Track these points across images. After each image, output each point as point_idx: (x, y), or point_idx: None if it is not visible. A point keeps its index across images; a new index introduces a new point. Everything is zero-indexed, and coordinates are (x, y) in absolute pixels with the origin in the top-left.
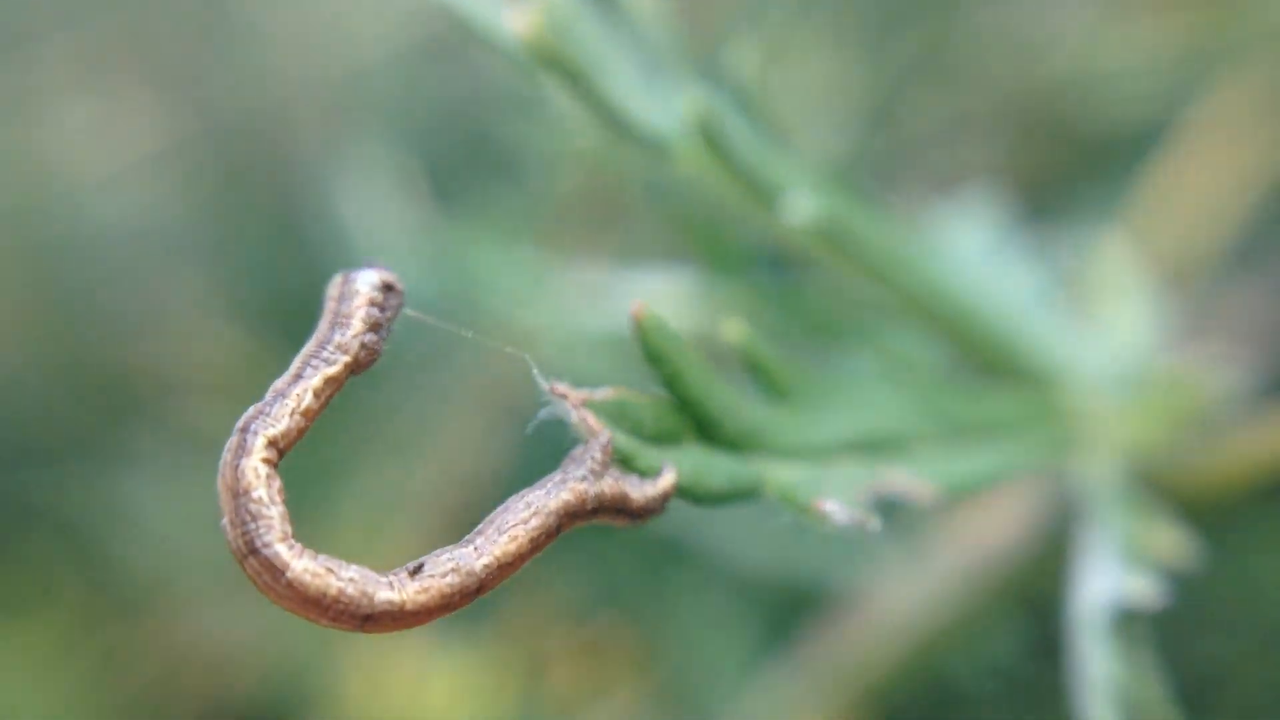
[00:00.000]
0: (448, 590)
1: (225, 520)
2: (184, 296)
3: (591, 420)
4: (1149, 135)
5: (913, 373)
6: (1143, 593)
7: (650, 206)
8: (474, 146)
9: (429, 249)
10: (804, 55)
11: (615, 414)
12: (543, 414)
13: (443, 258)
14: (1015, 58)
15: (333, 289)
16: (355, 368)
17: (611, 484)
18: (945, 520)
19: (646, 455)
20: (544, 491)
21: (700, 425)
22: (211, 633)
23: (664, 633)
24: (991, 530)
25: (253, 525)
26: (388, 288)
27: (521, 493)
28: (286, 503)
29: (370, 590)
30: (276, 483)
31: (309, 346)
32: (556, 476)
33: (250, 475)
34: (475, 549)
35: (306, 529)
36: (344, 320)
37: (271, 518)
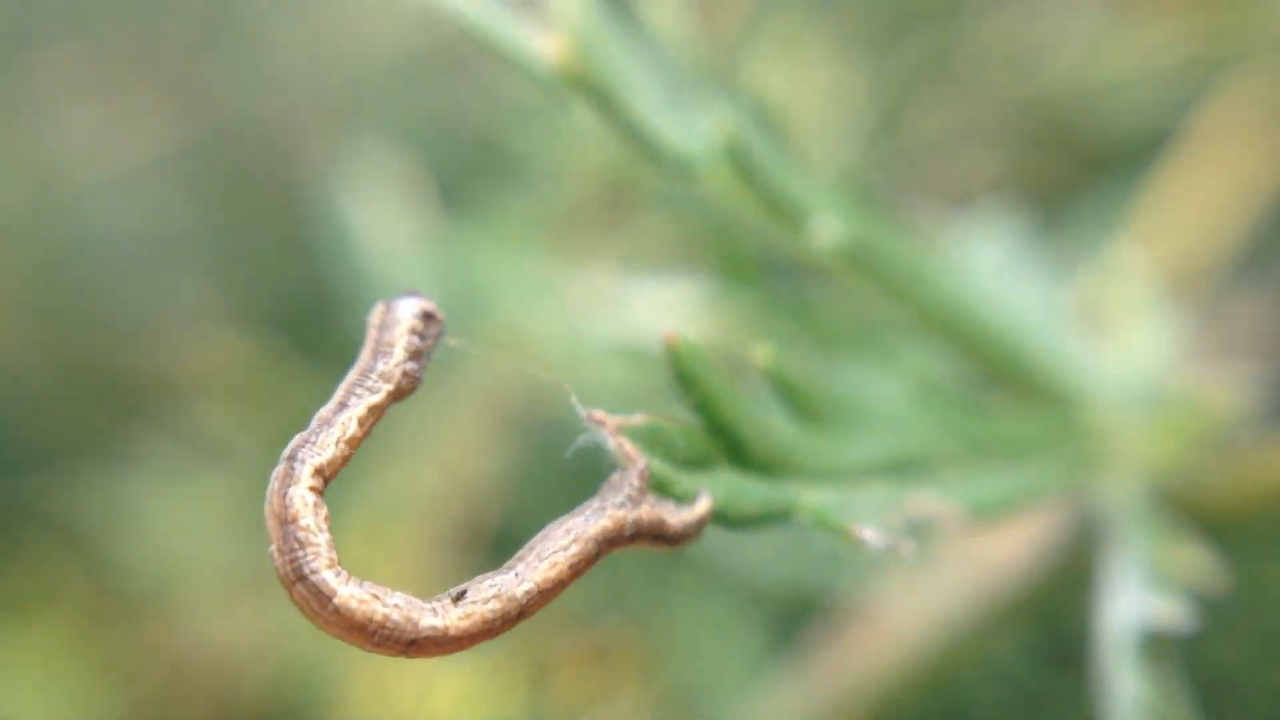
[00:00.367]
0: (490, 616)
1: (273, 547)
2: (188, 301)
3: (628, 447)
4: (1153, 143)
5: (937, 393)
6: (1170, 615)
7: (661, 215)
8: (481, 153)
9: (435, 256)
10: (810, 64)
11: (649, 439)
12: (581, 440)
13: (449, 265)
14: (1019, 66)
15: (374, 317)
16: (397, 395)
17: (649, 510)
18: (958, 537)
19: (682, 481)
20: (583, 519)
21: (732, 449)
22: (215, 637)
23: (669, 639)
24: (1002, 544)
25: (300, 553)
26: (428, 316)
27: (561, 519)
28: (332, 529)
29: (415, 616)
30: (323, 510)
31: (352, 375)
32: (595, 503)
33: (298, 503)
34: (517, 575)
35: None
36: (387, 349)
37: (319, 545)
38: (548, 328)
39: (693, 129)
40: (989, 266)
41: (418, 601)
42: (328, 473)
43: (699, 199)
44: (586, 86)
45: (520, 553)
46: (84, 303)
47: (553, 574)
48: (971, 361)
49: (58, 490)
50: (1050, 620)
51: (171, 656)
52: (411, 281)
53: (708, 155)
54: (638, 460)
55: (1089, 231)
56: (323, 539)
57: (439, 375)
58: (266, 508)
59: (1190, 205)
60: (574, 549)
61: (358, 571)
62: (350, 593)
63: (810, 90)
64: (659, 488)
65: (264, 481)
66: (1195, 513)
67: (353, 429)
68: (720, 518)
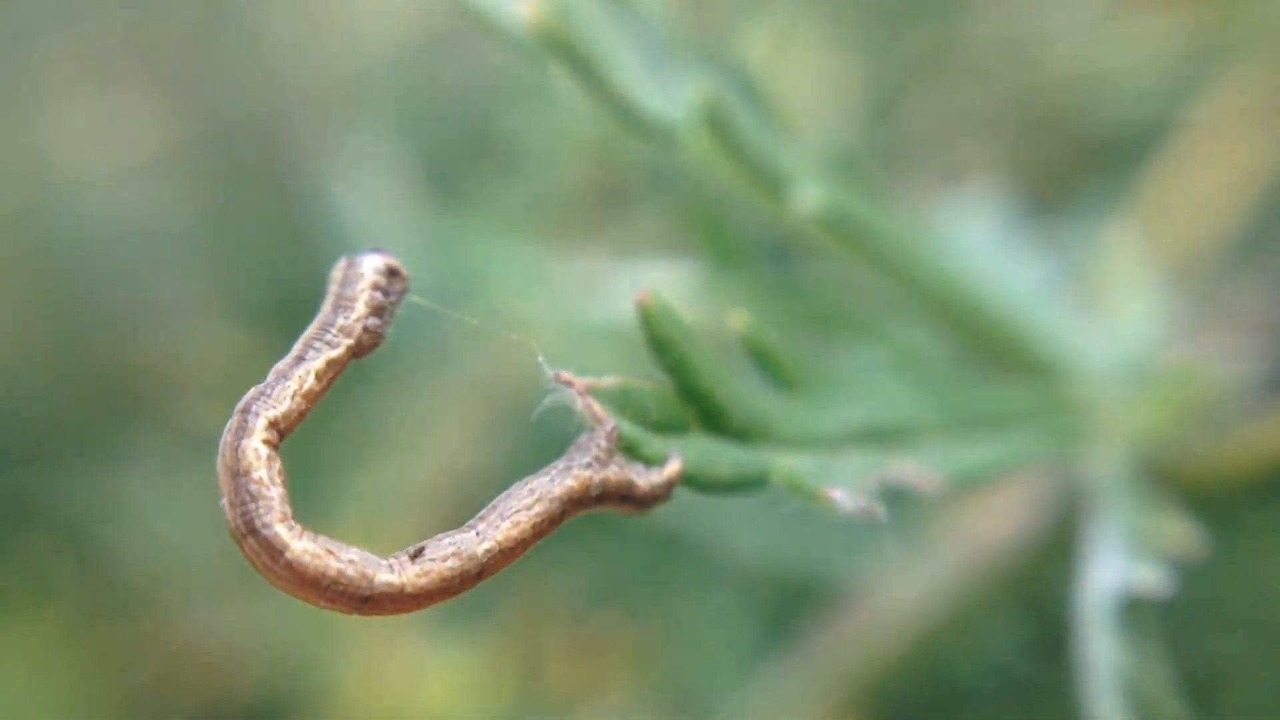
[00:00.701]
0: (448, 574)
1: (224, 500)
2: (185, 296)
3: (596, 408)
4: (1151, 133)
5: (920, 364)
6: (1149, 582)
7: (653, 197)
8: (476, 140)
9: (429, 242)
10: (807, 51)
11: (620, 401)
12: (547, 401)
13: (443, 251)
14: (1017, 55)
15: (336, 272)
16: (358, 351)
17: (616, 471)
18: (947, 514)
19: (652, 443)
20: (548, 478)
21: (706, 414)
22: (210, 630)
23: (663, 629)
24: (993, 524)
25: (252, 505)
26: (392, 272)
27: (525, 479)
28: (287, 485)
29: (370, 572)
30: (277, 464)
31: (311, 329)
32: (561, 463)
33: (251, 456)
34: (477, 534)
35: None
36: (347, 303)
37: (271, 498)
38: (540, 312)
39: (673, 95)
40: (977, 240)
41: (373, 557)
42: (283, 426)
43: (685, 175)
44: (563, 50)
45: (482, 511)
46: (79, 297)
47: (515, 533)
48: (959, 334)
49: (53, 484)
50: (1038, 600)
51: (166, 650)
52: (408, 268)
53: (688, 121)
54: (605, 421)
55: (1086, 220)
56: (275, 492)
57: (431, 368)
58: (218, 460)
59: (1188, 194)
60: (538, 508)
61: None
62: (303, 547)
63: (806, 77)
64: (628, 449)
65: None
66: (1181, 485)
67: (310, 382)
68: (691, 481)
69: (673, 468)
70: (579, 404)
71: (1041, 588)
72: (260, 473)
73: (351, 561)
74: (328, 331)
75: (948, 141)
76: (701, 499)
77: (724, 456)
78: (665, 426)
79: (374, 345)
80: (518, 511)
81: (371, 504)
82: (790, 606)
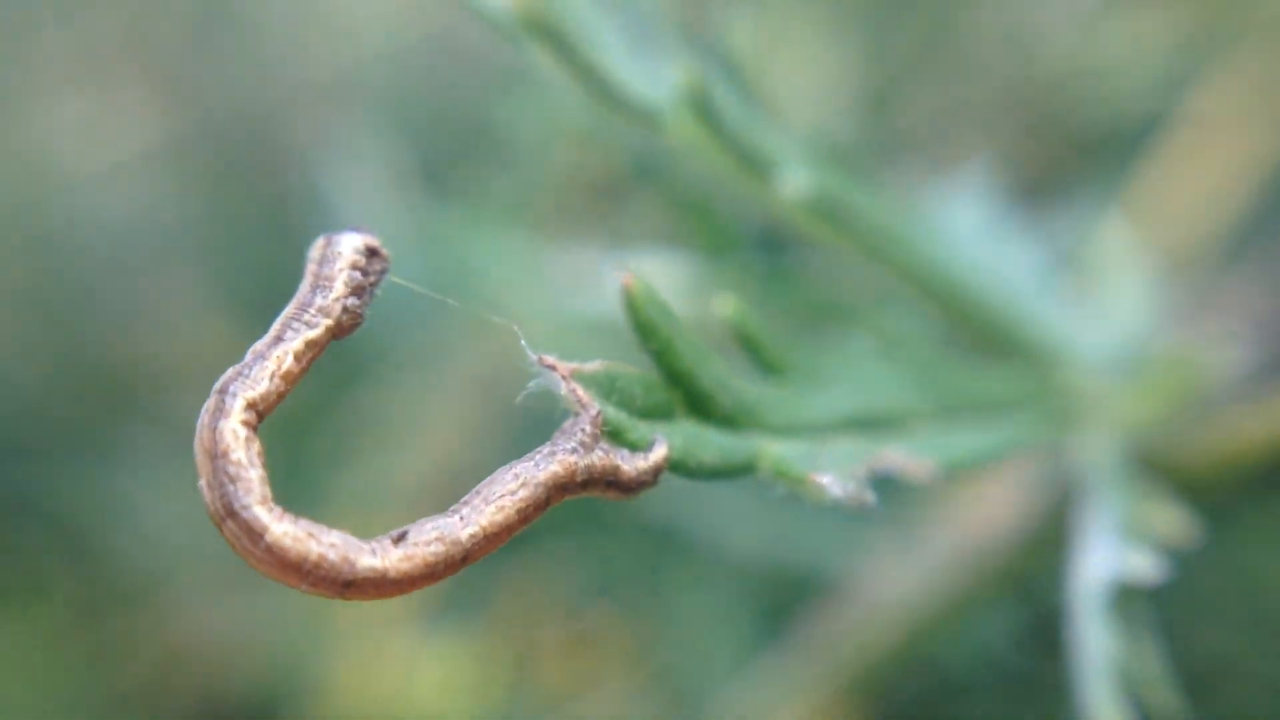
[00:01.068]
0: (432, 559)
1: (202, 482)
2: (179, 291)
3: (581, 393)
4: (1146, 126)
5: (910, 350)
6: (1142, 569)
7: (643, 187)
8: (468, 134)
9: (420, 234)
10: (802, 42)
11: (605, 386)
12: (531, 385)
13: (434, 243)
14: (1013, 49)
15: (314, 251)
16: (337, 332)
17: (601, 457)
18: (940, 504)
19: (637, 428)
20: (532, 463)
21: (692, 400)
22: (205, 627)
23: (657, 623)
24: (986, 515)
25: (231, 488)
26: (371, 251)
27: (510, 464)
28: (267, 467)
29: (352, 556)
30: (256, 445)
31: (289, 309)
32: (545, 449)
33: (229, 437)
34: (461, 519)
35: None
36: (326, 283)
37: (250, 480)
38: (533, 305)
39: (658, 78)
40: (968, 226)
41: (356, 541)
42: (261, 407)
43: (673, 164)
44: (544, 30)
45: (466, 496)
46: (74, 293)
47: (499, 518)
48: (949, 321)
49: (46, 480)
50: (1031, 590)
51: (161, 647)
52: (397, 260)
53: (672, 104)
54: (590, 406)
55: (1082, 213)
56: (255, 474)
57: (425, 363)
58: (196, 442)
59: (1183, 187)
60: (522, 493)
61: None
62: (284, 529)
63: (803, 69)
64: (613, 435)
65: None
66: (1174, 473)
67: (288, 363)
68: (678, 466)
69: (659, 453)
70: (563, 388)
71: (1034, 577)
72: (238, 454)
73: (334, 545)
74: (306, 311)
75: (943, 134)
76: (695, 492)
77: (710, 442)
78: (651, 412)
79: (354, 326)
80: (502, 496)
81: (365, 499)
82: (784, 600)
